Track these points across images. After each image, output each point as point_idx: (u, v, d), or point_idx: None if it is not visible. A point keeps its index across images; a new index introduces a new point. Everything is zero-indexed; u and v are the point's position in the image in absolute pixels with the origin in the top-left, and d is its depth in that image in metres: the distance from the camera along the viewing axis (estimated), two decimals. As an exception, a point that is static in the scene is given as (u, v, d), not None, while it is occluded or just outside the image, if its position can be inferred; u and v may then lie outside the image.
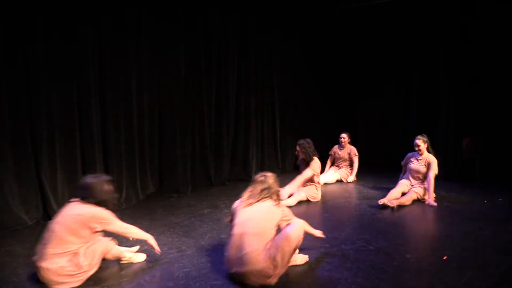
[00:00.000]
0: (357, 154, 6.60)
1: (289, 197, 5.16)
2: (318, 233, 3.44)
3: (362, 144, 7.44)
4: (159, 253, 3.32)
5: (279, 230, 3.02)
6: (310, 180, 5.26)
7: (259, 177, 3.15)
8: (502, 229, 4.08)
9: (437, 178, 5.41)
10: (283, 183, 6.07)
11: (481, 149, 6.50)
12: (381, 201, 4.89)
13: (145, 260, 3.34)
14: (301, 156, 5.26)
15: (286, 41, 7.37)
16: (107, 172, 4.95)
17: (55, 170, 4.40)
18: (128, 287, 2.86)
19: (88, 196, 2.96)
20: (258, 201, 3.00)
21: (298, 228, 3.02)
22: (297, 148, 5.28)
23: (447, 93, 6.75)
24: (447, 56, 6.71)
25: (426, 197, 5.12)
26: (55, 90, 4.37)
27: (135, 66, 5.15)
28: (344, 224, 4.27)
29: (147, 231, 3.98)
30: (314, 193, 5.26)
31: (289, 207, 4.95)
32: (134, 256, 3.31)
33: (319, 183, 5.35)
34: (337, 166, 6.73)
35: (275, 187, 3.10)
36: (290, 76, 7.58)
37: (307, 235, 3.29)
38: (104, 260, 3.09)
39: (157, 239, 3.72)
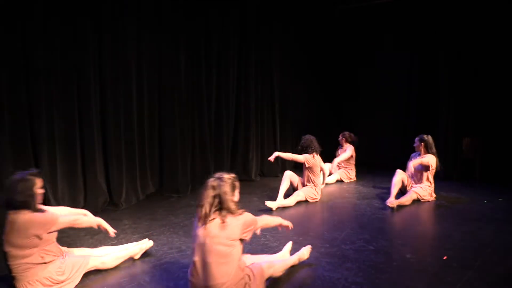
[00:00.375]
0: (351, 152, 6.55)
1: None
2: (285, 223, 3.02)
3: (362, 144, 7.45)
4: (114, 235, 3.15)
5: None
6: (310, 180, 5.27)
7: (212, 180, 2.51)
8: (502, 229, 4.08)
9: (437, 178, 5.43)
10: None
11: (481, 149, 6.51)
12: (388, 203, 4.90)
13: (152, 246, 3.45)
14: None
15: (286, 41, 7.37)
16: (107, 172, 4.95)
17: (55, 170, 4.40)
18: (128, 287, 2.86)
19: (12, 202, 2.63)
20: (209, 218, 2.43)
21: (278, 266, 2.88)
22: None
23: (447, 93, 6.76)
24: (447, 56, 6.72)
25: (424, 196, 5.17)
26: (55, 90, 4.37)
27: (135, 66, 5.15)
28: (344, 224, 4.27)
29: (147, 231, 4.01)
30: (313, 194, 5.26)
31: (288, 207, 4.99)
32: (142, 245, 3.34)
33: (316, 184, 5.33)
34: (337, 166, 6.74)
35: (229, 196, 2.47)
36: (290, 76, 7.58)
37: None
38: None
39: (157, 239, 3.73)
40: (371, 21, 7.90)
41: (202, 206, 2.46)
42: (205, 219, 2.45)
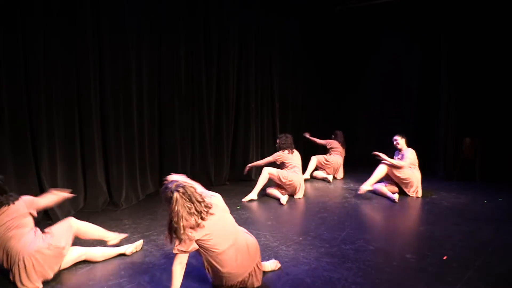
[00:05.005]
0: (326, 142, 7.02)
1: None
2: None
3: (362, 144, 7.46)
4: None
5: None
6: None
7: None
8: (502, 229, 4.08)
9: (437, 178, 5.45)
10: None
11: (481, 149, 6.51)
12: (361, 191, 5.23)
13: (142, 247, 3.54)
14: None
15: (286, 41, 7.37)
16: (107, 172, 4.95)
17: (55, 170, 4.39)
18: (128, 287, 2.86)
19: None
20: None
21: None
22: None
23: (447, 93, 6.75)
24: (447, 56, 6.72)
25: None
26: (55, 90, 4.37)
27: (136, 66, 5.15)
28: (344, 224, 4.27)
29: (147, 231, 4.01)
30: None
31: (287, 207, 4.99)
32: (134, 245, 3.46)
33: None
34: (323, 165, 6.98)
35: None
36: (290, 76, 7.58)
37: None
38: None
39: (157, 239, 3.73)
40: (371, 21, 7.91)
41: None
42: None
